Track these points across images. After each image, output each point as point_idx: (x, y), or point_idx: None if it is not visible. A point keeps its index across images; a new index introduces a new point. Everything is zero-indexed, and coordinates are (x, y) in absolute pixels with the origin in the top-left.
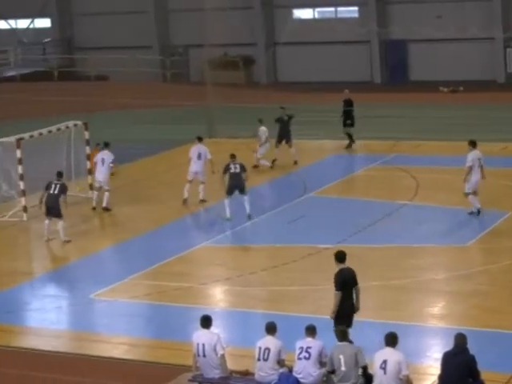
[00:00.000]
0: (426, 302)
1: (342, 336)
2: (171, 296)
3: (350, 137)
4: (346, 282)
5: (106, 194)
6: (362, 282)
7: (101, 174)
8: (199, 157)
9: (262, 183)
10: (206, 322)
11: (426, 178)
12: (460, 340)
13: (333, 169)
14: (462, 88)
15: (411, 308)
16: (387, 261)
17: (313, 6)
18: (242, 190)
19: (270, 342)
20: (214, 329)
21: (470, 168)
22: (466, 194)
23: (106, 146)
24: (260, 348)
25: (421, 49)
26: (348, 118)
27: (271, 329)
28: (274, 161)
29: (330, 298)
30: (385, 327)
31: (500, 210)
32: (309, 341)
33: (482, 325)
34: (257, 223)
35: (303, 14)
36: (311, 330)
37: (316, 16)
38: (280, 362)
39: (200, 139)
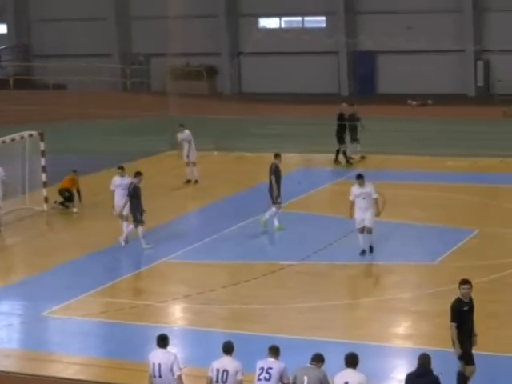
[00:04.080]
0: (391, 322)
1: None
2: (128, 314)
3: (338, 152)
4: None
5: None
6: (325, 301)
7: None
8: None
9: (223, 197)
10: (163, 341)
11: (392, 193)
12: (424, 360)
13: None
14: (430, 101)
15: (375, 328)
16: (351, 279)
17: (279, 15)
18: (271, 199)
19: (227, 363)
20: (172, 348)
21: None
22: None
23: None
24: (218, 370)
25: (390, 61)
26: (344, 132)
27: (228, 349)
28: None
29: (292, 317)
30: (348, 347)
31: (468, 227)
32: (270, 361)
33: (449, 345)
34: (218, 239)
35: (269, 23)
36: (274, 351)
37: (282, 25)
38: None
39: None
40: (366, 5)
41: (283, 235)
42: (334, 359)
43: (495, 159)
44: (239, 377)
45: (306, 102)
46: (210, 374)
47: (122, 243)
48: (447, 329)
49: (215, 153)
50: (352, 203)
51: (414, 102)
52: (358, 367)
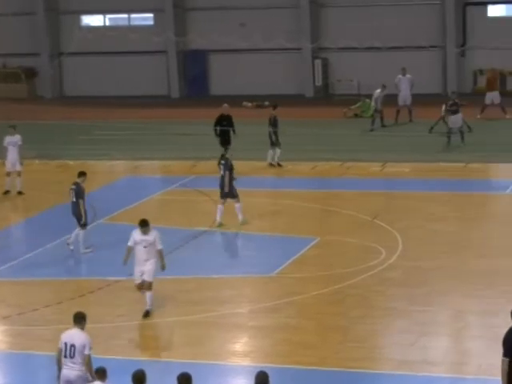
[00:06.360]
0: (227, 338)
1: None
2: None
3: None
4: None
5: None
6: (156, 318)
7: None
8: None
9: (45, 209)
10: None
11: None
12: (261, 379)
13: (125, 192)
14: (267, 103)
15: (211, 345)
16: (183, 294)
17: (103, 12)
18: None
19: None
20: None
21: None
22: None
23: None
24: None
25: (223, 60)
26: (228, 135)
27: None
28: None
29: (121, 336)
30: (182, 367)
31: (307, 236)
32: None
33: (289, 361)
34: (40, 254)
35: (93, 20)
36: (101, 373)
37: (107, 23)
38: None
39: None
40: (195, 0)
41: (110, 250)
42: (166, 381)
43: (335, 163)
44: None
45: (134, 105)
46: None
47: (71, 247)
48: (286, 344)
49: (36, 161)
50: (130, 249)
51: (250, 104)
52: None
